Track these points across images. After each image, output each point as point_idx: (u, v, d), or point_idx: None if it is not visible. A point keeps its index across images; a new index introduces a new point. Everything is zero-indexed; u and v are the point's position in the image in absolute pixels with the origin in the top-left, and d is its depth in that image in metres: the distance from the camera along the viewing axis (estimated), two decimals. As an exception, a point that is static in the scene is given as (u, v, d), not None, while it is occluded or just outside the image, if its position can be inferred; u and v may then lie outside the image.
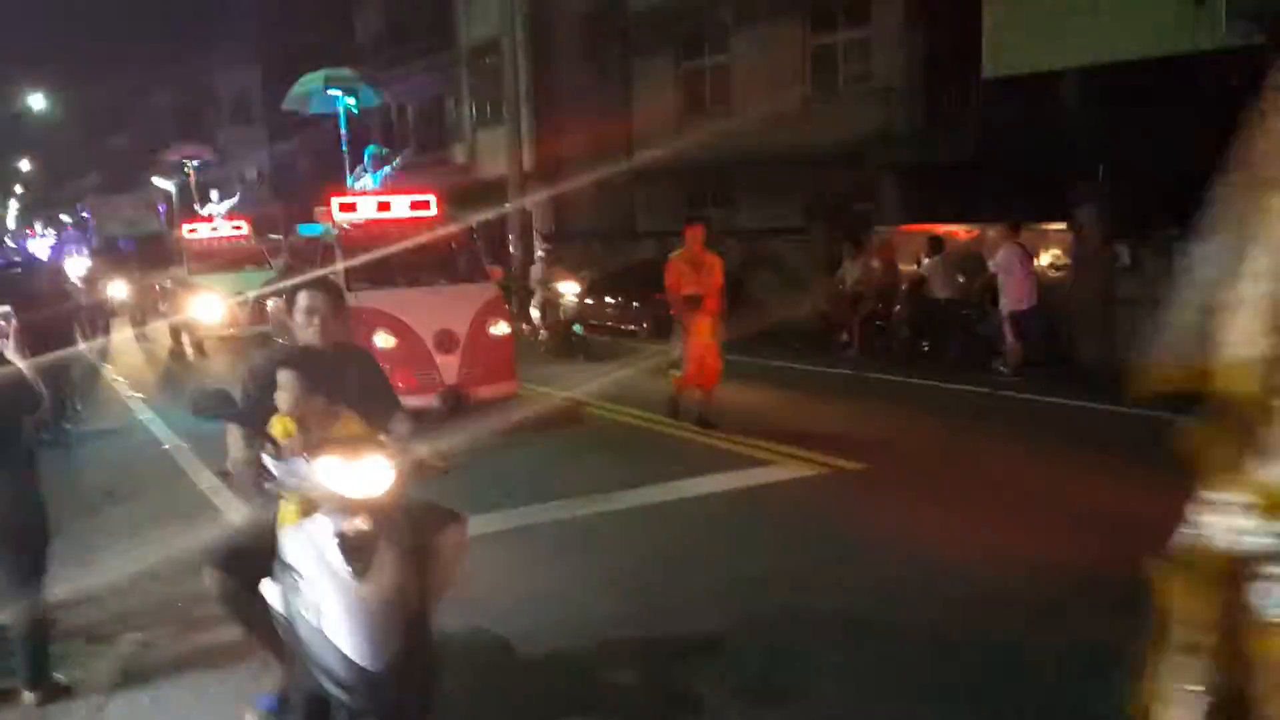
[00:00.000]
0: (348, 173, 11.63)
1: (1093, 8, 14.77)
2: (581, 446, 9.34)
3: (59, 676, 4.62)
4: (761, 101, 19.58)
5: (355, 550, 3.09)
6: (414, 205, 10.75)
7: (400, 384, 8.81)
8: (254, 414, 3.63)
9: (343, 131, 11.84)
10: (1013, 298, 11.89)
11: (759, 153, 19.16)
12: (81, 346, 11.29)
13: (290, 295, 4.04)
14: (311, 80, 12.34)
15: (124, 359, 16.67)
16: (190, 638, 5.15)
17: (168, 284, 18.54)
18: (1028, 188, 15.54)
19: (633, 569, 5.96)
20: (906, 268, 14.24)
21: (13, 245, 45.94)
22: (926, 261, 13.45)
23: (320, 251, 10.77)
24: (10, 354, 4.42)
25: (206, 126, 42.59)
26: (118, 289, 18.58)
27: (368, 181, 11.37)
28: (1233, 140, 2.36)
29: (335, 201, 10.61)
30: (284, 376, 3.62)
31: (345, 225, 10.54)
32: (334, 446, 3.24)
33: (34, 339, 4.95)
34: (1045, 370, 11.79)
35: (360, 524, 3.12)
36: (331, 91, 11.95)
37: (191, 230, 19.23)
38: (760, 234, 18.70)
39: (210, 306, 16.42)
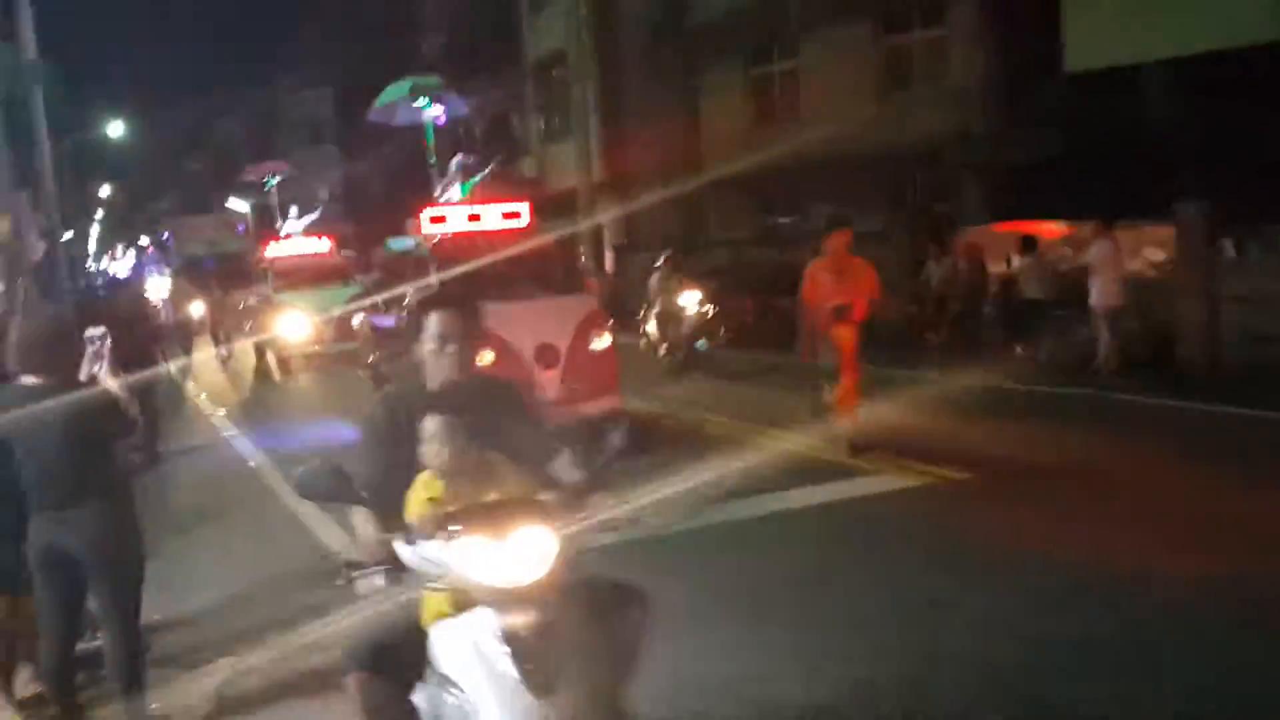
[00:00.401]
0: (435, 184, 11.41)
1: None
2: (684, 459, 8.75)
3: (155, 706, 4.50)
4: (833, 105, 19.26)
5: (530, 657, 2.49)
6: (505, 215, 10.45)
7: None
8: (384, 488, 2.98)
9: (428, 142, 11.65)
10: (1108, 295, 11.41)
11: (832, 157, 18.79)
12: (165, 366, 11.36)
13: (415, 318, 3.33)
14: (397, 90, 12.05)
15: (206, 377, 16.86)
16: (288, 664, 5.00)
17: (251, 302, 18.59)
18: (1114, 184, 15.09)
19: (777, 593, 5.71)
20: (995, 268, 13.80)
21: (95, 268, 47.19)
22: (1019, 261, 12.99)
23: (411, 265, 10.60)
24: (104, 377, 4.31)
25: (278, 148, 43.32)
26: (199, 308, 18.76)
27: (455, 192, 11.12)
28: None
29: (425, 214, 10.39)
30: (433, 425, 2.94)
31: (436, 238, 10.34)
32: (477, 520, 2.60)
33: (122, 361, 4.87)
34: (1146, 370, 11.29)
35: (529, 620, 2.51)
36: (417, 103, 11.72)
37: (274, 248, 19.24)
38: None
39: (295, 324, 16.41)
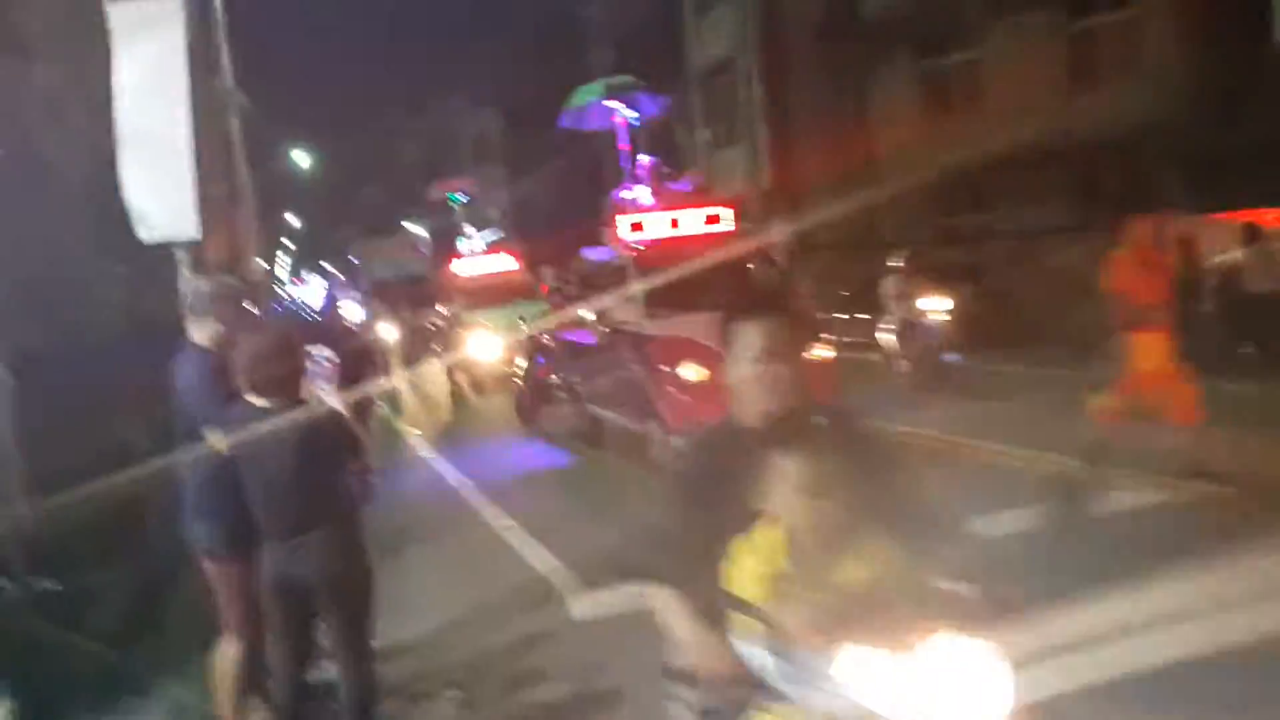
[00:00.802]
0: (626, 189, 11.27)
1: None
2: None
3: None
4: (1016, 96, 18.36)
5: None
6: (708, 220, 10.20)
7: (709, 419, 8.35)
8: (703, 557, 2.26)
9: (623, 144, 11.47)
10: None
11: (1017, 151, 17.89)
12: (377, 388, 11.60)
13: (725, 329, 2.57)
14: (589, 91, 11.88)
15: (403, 399, 17.17)
16: (514, 696, 4.90)
17: (439, 323, 18.58)
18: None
19: None
20: (1211, 260, 12.80)
21: (286, 296, 49.66)
22: (1242, 252, 11.99)
23: (610, 275, 10.30)
24: (330, 397, 4.26)
25: (449, 169, 44.64)
26: (391, 330, 19.10)
27: (642, 195, 10.85)
28: None
29: (622, 221, 10.15)
30: (786, 465, 2.15)
31: (637, 246, 10.04)
32: (864, 619, 1.86)
33: (341, 382, 4.85)
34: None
35: None
36: (609, 103, 11.52)
37: (460, 266, 19.25)
38: (1031, 235, 17.42)
39: (486, 344, 16.30)
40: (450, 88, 44.24)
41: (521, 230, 36.51)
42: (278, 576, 4.17)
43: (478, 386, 16.83)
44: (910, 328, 12.57)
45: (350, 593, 4.27)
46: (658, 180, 10.95)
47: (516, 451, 11.32)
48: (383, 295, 23.23)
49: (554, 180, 33.05)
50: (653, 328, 9.10)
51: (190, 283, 5.35)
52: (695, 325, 8.82)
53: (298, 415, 4.09)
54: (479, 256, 19.68)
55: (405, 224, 34.31)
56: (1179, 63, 16.49)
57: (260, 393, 4.11)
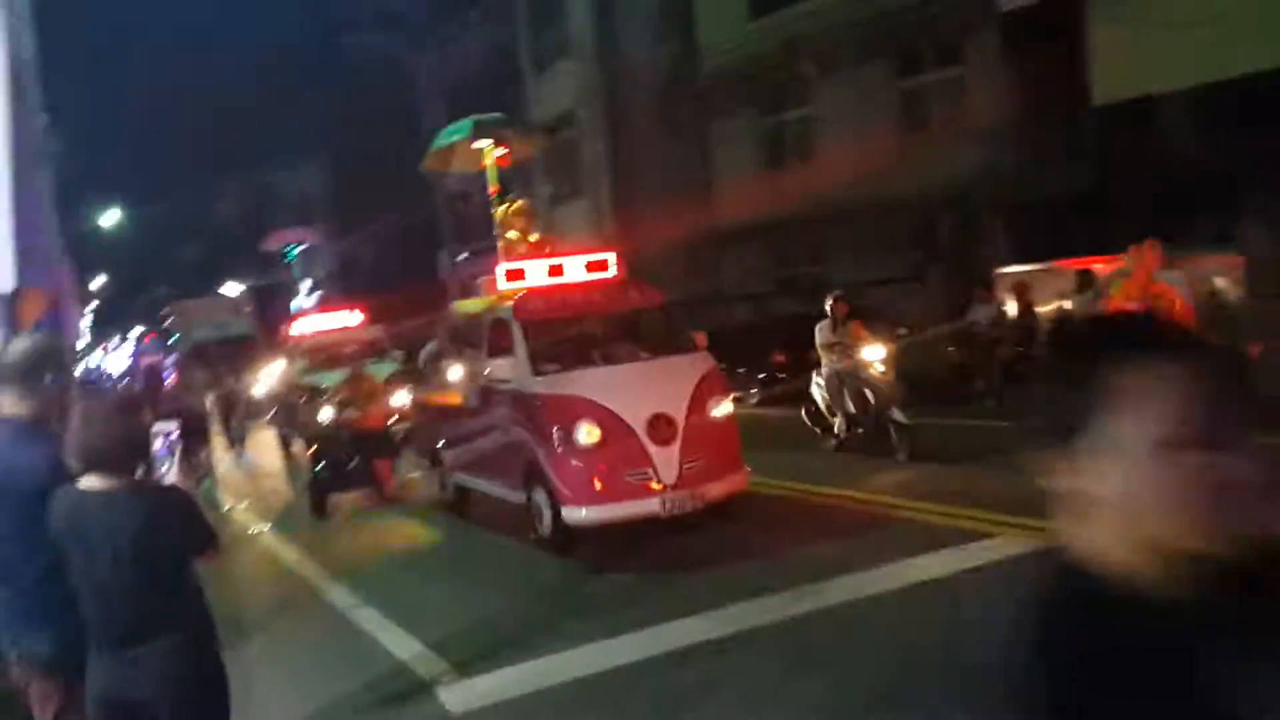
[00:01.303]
0: (496, 234, 10.18)
1: (1210, 20, 13.81)
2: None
3: None
4: (851, 151, 18.81)
5: None
6: (590, 266, 9.31)
7: (607, 487, 7.71)
8: None
9: (491, 186, 10.34)
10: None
11: (852, 204, 18.33)
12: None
13: (1121, 366, 1.28)
14: (456, 131, 10.51)
15: (226, 474, 15.88)
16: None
17: (276, 387, 17.36)
18: (1155, 216, 14.58)
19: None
20: (1046, 306, 13.22)
21: (87, 363, 46.43)
22: (1076, 298, 12.39)
23: (488, 330, 9.22)
24: (178, 478, 3.60)
25: (273, 227, 42.93)
26: (208, 399, 17.64)
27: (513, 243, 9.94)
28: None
29: (501, 269, 9.21)
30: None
31: (517, 296, 9.00)
32: None
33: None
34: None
35: None
36: (478, 145, 10.22)
37: (301, 324, 17.96)
38: (869, 285, 17.73)
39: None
40: (275, 144, 42.68)
41: (350, 287, 35.32)
42: (108, 696, 3.41)
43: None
44: (851, 379, 10.90)
45: (196, 716, 3.58)
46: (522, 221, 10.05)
47: (366, 527, 10.44)
48: (202, 358, 21.81)
49: (385, 237, 32.15)
50: (539, 385, 8.21)
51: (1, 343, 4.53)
52: (589, 382, 8.21)
53: (139, 498, 3.43)
54: (320, 313, 18.67)
55: (226, 285, 32.58)
56: (1004, 120, 17.23)
57: (94, 470, 3.38)
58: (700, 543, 7.94)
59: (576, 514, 7.82)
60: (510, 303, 8.85)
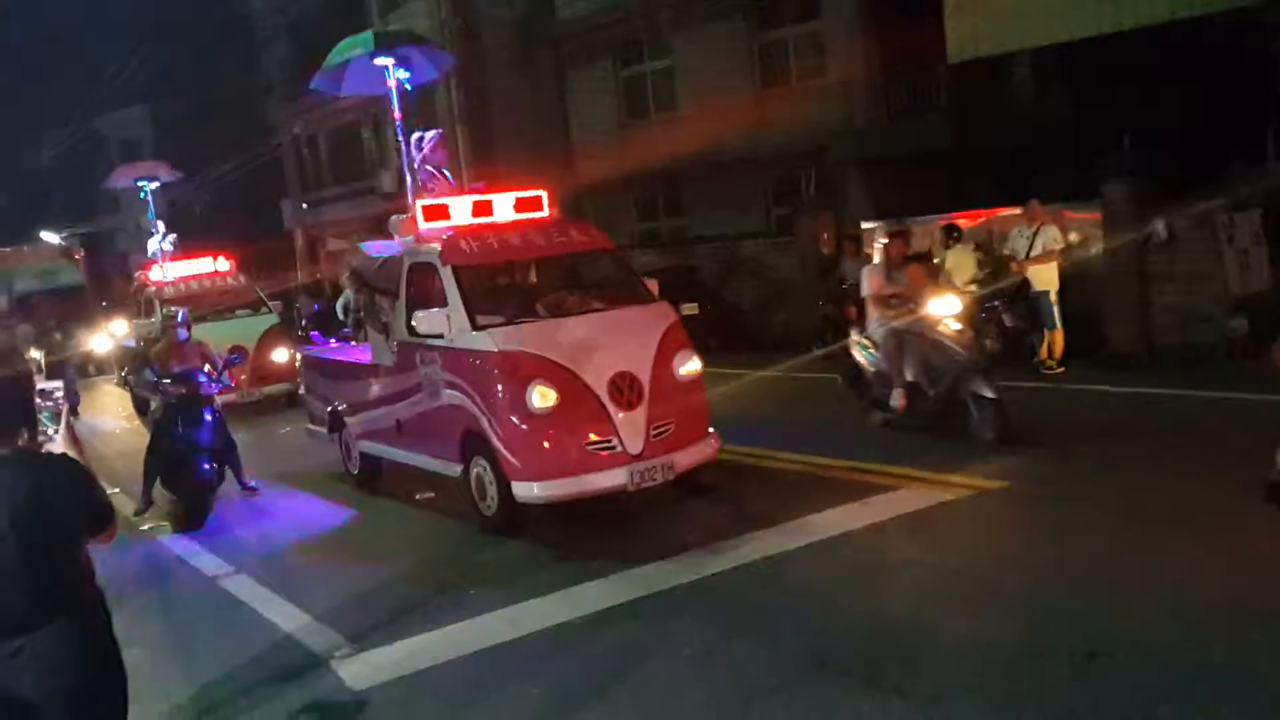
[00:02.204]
0: (405, 169, 8.83)
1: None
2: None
3: None
4: (711, 105, 18.73)
5: None
6: (520, 204, 8.22)
7: (565, 458, 6.79)
8: None
9: (395, 113, 8.95)
10: (1047, 281, 11.15)
11: (714, 157, 18.31)
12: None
13: None
14: (352, 46, 9.08)
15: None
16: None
17: (129, 344, 15.43)
18: (1008, 172, 15.08)
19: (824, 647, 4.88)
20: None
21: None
22: (946, 252, 12.64)
23: (408, 276, 8.05)
24: (66, 443, 3.19)
25: (95, 177, 40.15)
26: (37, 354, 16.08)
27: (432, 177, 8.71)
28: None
29: (420, 205, 7.97)
30: None
31: (443, 238, 7.75)
32: None
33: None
34: (1082, 358, 11.12)
35: None
36: (380, 60, 8.79)
37: (161, 272, 15.83)
38: (727, 239, 17.79)
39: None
40: (102, 87, 39.74)
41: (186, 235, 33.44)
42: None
43: None
44: (915, 341, 8.68)
45: (92, 712, 3.19)
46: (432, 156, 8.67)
47: (246, 504, 9.14)
48: (27, 312, 20.05)
49: (224, 183, 30.48)
50: (481, 341, 7.11)
51: None
52: (540, 337, 7.17)
53: (23, 467, 3.05)
54: (183, 260, 16.21)
55: (43, 234, 30.17)
56: (863, 75, 17.45)
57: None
58: (608, 504, 7.34)
59: (529, 490, 6.82)
60: (437, 244, 7.67)
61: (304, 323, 18.64)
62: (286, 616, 6.10)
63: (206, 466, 8.57)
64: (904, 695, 4.23)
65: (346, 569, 7.05)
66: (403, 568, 6.91)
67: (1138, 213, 11.08)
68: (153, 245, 16.64)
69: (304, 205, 31.58)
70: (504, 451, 6.92)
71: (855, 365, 9.52)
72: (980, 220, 13.39)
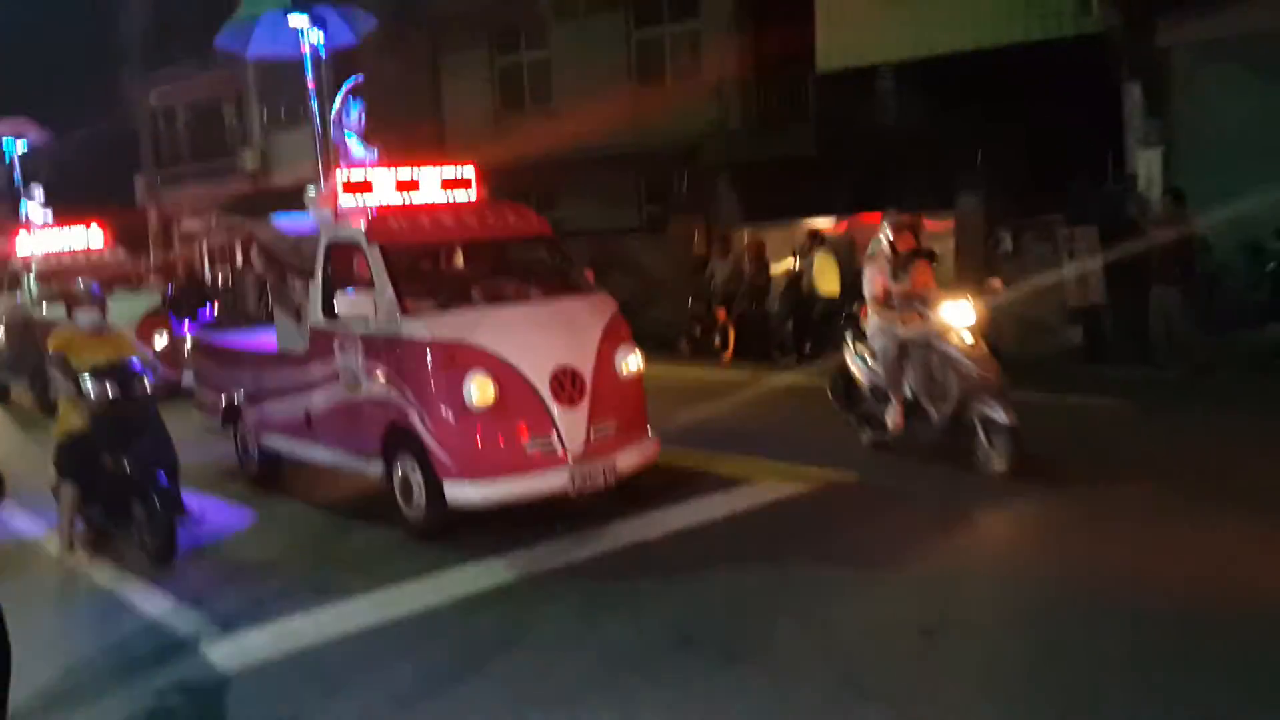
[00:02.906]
0: (318, 140, 8.23)
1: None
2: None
3: None
4: (587, 99, 18.87)
5: None
6: (446, 184, 7.67)
7: (502, 458, 6.38)
8: None
9: (309, 81, 8.27)
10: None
11: (588, 151, 18.46)
12: None
13: None
14: (258, 3, 8.47)
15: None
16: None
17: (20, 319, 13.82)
18: (870, 180, 15.70)
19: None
20: (782, 265, 13.95)
21: None
22: (808, 258, 13.13)
23: (327, 256, 7.35)
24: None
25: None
26: None
27: (353, 146, 8.06)
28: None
29: (340, 176, 7.25)
30: None
31: (367, 213, 7.18)
32: None
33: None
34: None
35: None
36: (295, 20, 8.06)
37: (27, 241, 14.26)
38: (611, 234, 17.97)
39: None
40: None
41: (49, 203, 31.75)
42: None
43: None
44: (922, 355, 7.61)
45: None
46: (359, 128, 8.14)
47: None
48: None
49: (73, 153, 29.03)
50: (412, 329, 6.61)
51: None
52: (478, 326, 6.69)
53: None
54: (51, 229, 14.54)
55: None
56: (736, 78, 17.87)
57: None
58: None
59: (463, 491, 6.38)
60: (361, 222, 7.05)
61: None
62: (155, 603, 6.00)
63: (166, 483, 6.84)
64: (759, 667, 4.52)
65: (221, 557, 6.92)
66: (272, 554, 6.87)
67: (988, 224, 11.74)
68: (33, 213, 15.08)
69: (159, 180, 30.39)
70: (436, 449, 6.45)
71: (847, 374, 8.47)
72: (844, 228, 13.95)
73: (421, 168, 7.76)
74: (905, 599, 5.24)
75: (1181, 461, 7.36)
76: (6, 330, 14.26)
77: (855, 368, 8.36)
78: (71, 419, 6.83)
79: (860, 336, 8.28)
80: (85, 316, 7.04)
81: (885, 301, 7.78)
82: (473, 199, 7.86)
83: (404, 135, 21.23)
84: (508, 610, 5.48)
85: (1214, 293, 10.93)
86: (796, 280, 13.41)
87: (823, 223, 14.31)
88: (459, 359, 6.47)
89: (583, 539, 6.48)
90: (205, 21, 25.92)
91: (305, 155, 21.67)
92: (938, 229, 12.53)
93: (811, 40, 15.58)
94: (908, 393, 7.77)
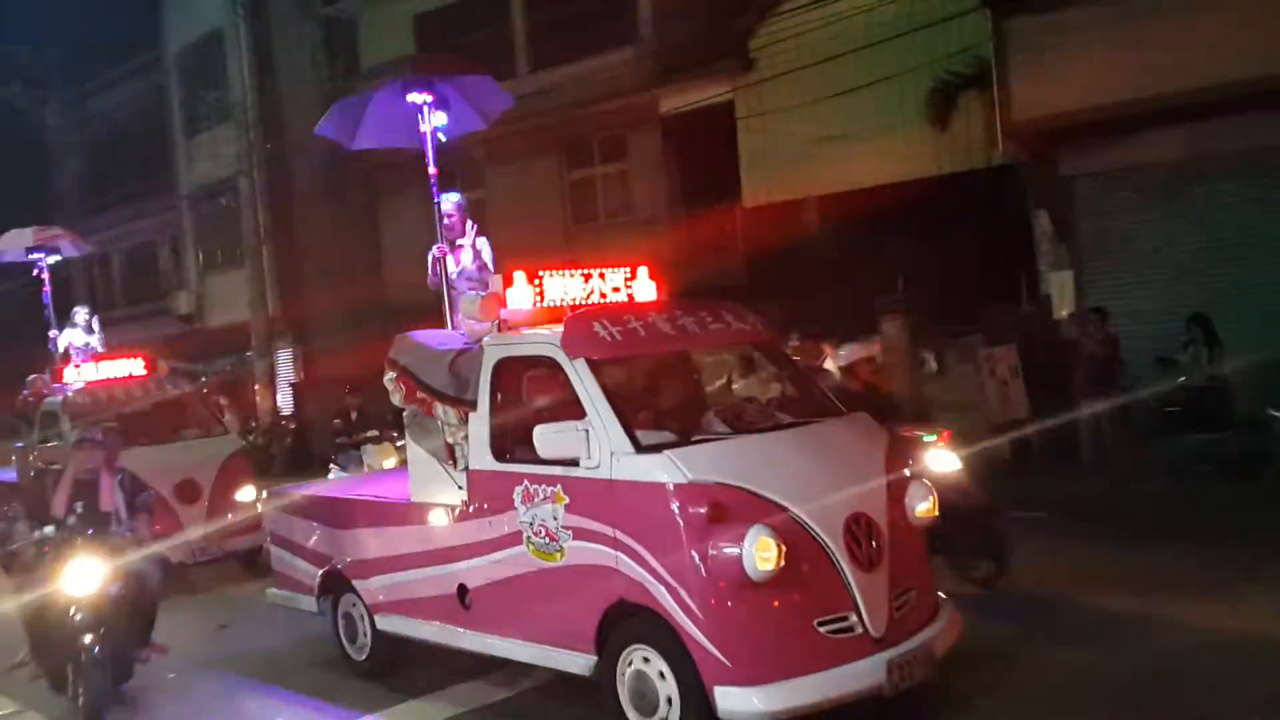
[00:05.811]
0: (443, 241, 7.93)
1: (843, 137, 15.78)
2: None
3: None
4: (523, 236, 19.32)
5: None
6: (630, 280, 6.72)
7: (792, 648, 4.76)
8: None
9: (431, 169, 8.04)
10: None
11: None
12: None
13: None
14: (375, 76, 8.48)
15: None
16: None
17: (37, 467, 10.94)
18: (797, 307, 16.18)
19: None
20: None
21: None
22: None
23: (497, 377, 5.95)
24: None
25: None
26: None
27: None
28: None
29: (495, 283, 6.40)
30: None
31: (569, 320, 5.85)
32: None
33: None
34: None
35: None
36: (413, 97, 7.26)
37: (80, 373, 11.78)
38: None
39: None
40: None
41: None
42: None
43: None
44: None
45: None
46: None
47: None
48: None
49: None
50: (651, 469, 4.92)
51: None
52: (743, 462, 5.07)
53: None
54: (103, 361, 12.04)
55: None
56: (664, 213, 18.50)
57: None
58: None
59: (745, 700, 4.59)
60: (553, 329, 5.62)
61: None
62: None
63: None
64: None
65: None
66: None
67: (911, 346, 12.15)
68: (75, 339, 12.63)
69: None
70: (700, 639, 4.69)
71: None
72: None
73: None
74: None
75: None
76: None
77: None
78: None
79: None
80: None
81: None
82: (683, 299, 6.54)
83: (343, 273, 21.54)
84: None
85: (1132, 405, 11.37)
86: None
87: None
88: (732, 509, 4.78)
89: (521, 671, 6.09)
90: (146, 168, 26.37)
91: (241, 297, 21.91)
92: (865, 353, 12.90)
93: (737, 177, 16.28)
94: None
